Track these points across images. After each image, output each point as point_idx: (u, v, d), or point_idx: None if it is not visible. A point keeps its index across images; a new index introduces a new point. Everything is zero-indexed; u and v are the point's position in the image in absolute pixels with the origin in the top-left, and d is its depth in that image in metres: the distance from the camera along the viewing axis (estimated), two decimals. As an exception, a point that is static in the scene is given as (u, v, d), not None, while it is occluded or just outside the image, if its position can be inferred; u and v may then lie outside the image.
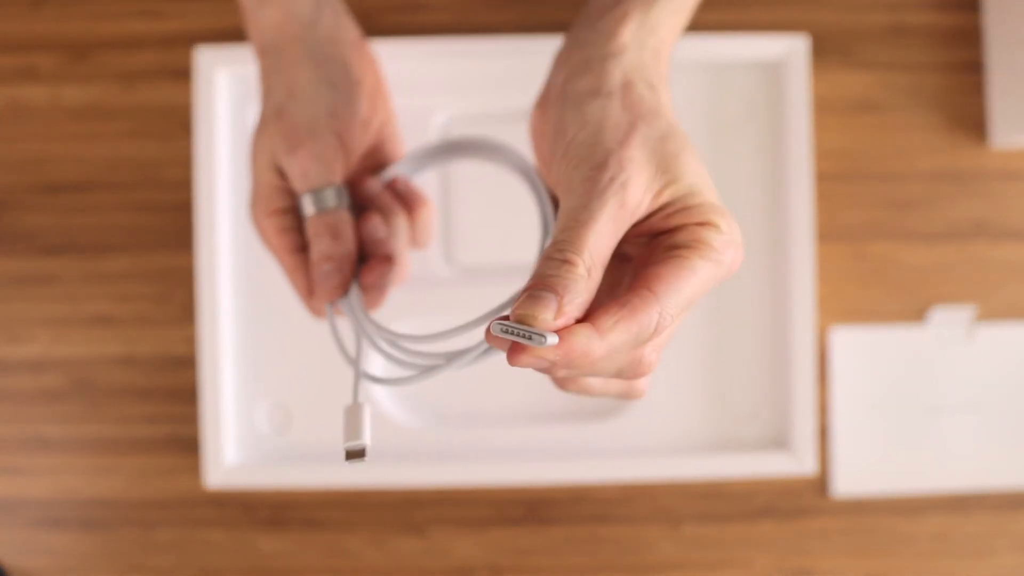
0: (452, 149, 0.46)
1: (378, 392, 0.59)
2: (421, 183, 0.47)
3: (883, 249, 0.61)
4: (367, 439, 0.35)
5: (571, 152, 0.33)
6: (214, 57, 0.57)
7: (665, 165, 0.33)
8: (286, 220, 0.42)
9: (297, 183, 0.41)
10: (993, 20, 0.60)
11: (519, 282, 0.57)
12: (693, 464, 0.57)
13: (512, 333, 0.29)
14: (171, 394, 0.60)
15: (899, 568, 0.61)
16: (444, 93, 0.58)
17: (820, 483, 0.61)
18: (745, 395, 0.59)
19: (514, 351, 0.29)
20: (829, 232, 0.60)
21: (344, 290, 0.41)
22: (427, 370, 0.36)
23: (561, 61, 0.38)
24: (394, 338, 0.37)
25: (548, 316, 0.29)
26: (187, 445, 0.60)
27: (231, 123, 0.58)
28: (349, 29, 0.44)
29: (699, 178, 0.33)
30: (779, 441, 0.59)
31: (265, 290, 0.58)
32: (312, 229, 0.41)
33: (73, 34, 0.60)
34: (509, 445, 0.58)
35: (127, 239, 0.60)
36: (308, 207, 0.41)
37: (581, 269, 0.30)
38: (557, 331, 0.29)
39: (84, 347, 0.60)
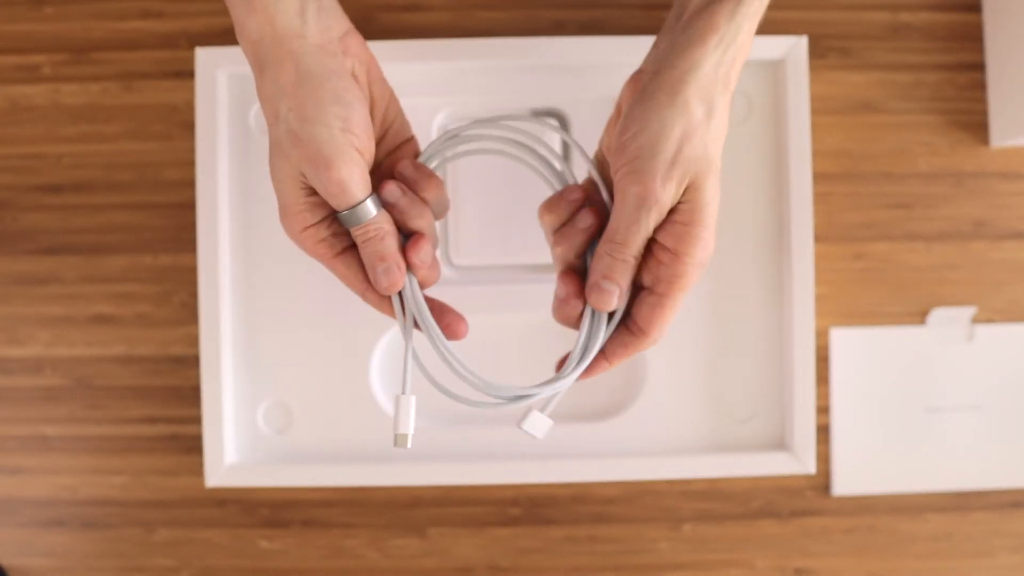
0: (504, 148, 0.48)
1: (377, 391, 0.59)
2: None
3: (883, 249, 0.61)
4: (410, 428, 0.45)
5: (627, 153, 0.42)
6: (214, 57, 0.57)
7: (690, 184, 0.42)
8: (322, 230, 0.44)
9: (332, 201, 0.43)
10: (993, 20, 0.60)
11: (518, 282, 0.58)
12: (693, 464, 0.57)
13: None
14: (171, 394, 0.60)
15: (899, 568, 0.61)
16: (444, 93, 0.58)
17: (820, 483, 0.61)
18: (745, 395, 0.59)
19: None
20: (829, 232, 0.60)
21: (402, 280, 0.45)
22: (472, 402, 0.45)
23: (659, 45, 0.45)
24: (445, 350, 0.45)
25: (615, 301, 0.44)
26: (187, 445, 0.60)
27: (231, 123, 0.58)
28: (334, 24, 0.44)
29: (709, 199, 0.42)
30: (779, 441, 0.59)
31: (265, 290, 0.58)
32: (360, 237, 0.44)
33: (73, 34, 0.60)
34: (510, 445, 0.58)
35: (127, 239, 0.60)
36: (349, 222, 0.44)
37: (633, 263, 0.43)
38: (585, 373, 0.45)
39: (84, 347, 0.60)
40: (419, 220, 0.45)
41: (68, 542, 0.60)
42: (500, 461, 0.58)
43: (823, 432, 0.60)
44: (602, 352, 0.45)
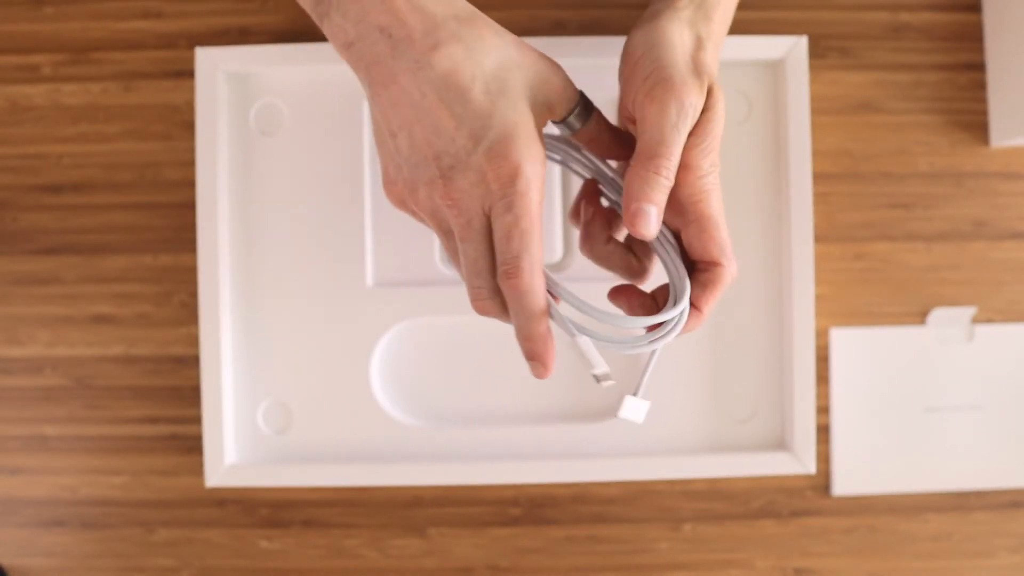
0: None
1: (377, 391, 0.59)
2: None
3: (883, 249, 0.61)
4: (605, 365, 0.41)
5: (643, 70, 0.41)
6: (214, 57, 0.57)
7: (708, 90, 0.42)
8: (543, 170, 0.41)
9: (568, 94, 0.42)
10: (993, 20, 0.60)
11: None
12: (693, 464, 0.57)
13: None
14: (171, 394, 0.60)
15: (899, 568, 0.61)
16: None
17: (820, 483, 0.61)
18: (745, 395, 0.59)
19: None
20: (829, 232, 0.60)
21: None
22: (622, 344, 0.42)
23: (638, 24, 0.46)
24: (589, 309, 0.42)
25: (654, 224, 0.40)
26: (187, 445, 0.60)
27: (231, 123, 0.58)
28: None
29: (720, 112, 0.42)
30: (779, 441, 0.59)
31: (265, 290, 0.58)
32: (596, 124, 0.44)
33: (73, 34, 0.60)
34: (509, 445, 0.58)
35: (127, 239, 0.60)
36: (579, 122, 0.43)
37: (668, 180, 0.41)
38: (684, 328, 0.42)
39: (84, 347, 0.60)
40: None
41: (68, 542, 0.60)
42: (500, 461, 0.58)
43: (823, 432, 0.60)
44: (692, 305, 0.42)
